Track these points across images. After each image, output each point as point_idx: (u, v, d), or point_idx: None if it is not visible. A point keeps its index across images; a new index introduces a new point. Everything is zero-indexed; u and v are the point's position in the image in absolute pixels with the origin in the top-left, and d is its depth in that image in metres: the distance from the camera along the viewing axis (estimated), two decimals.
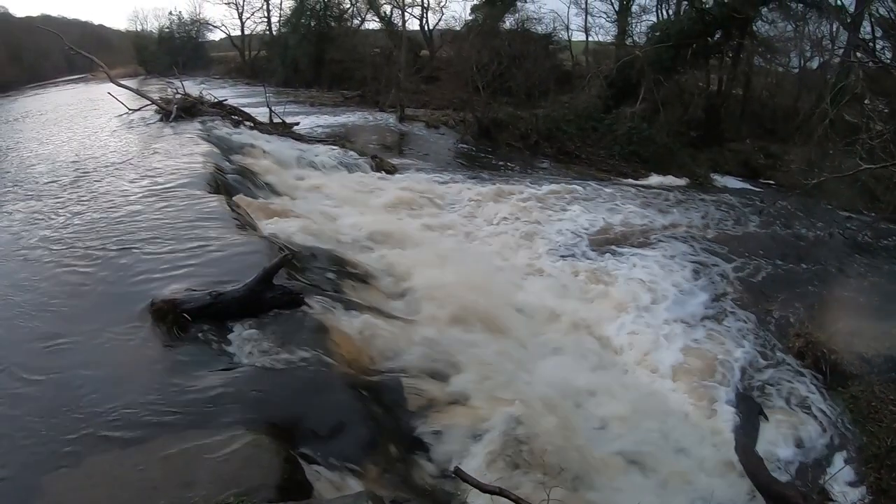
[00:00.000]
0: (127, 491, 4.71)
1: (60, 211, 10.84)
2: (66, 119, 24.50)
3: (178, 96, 21.83)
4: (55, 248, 9.11)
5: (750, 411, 8.56)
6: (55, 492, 4.75)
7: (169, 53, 48.25)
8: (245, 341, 6.62)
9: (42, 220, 10.44)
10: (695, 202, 18.93)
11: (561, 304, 10.90)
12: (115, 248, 8.95)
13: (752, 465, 7.35)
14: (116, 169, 13.71)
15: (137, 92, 24.12)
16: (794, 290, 12.50)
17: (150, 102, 22.07)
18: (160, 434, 5.27)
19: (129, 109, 21.93)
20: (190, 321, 6.84)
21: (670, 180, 22.80)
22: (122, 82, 25.67)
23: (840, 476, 7.46)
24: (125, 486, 4.75)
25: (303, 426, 5.65)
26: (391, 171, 18.59)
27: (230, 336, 6.73)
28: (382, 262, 10.54)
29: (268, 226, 10.61)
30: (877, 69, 16.63)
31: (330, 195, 14.53)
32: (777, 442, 8.12)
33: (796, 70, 28.84)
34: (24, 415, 5.50)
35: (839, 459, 7.85)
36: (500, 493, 4.65)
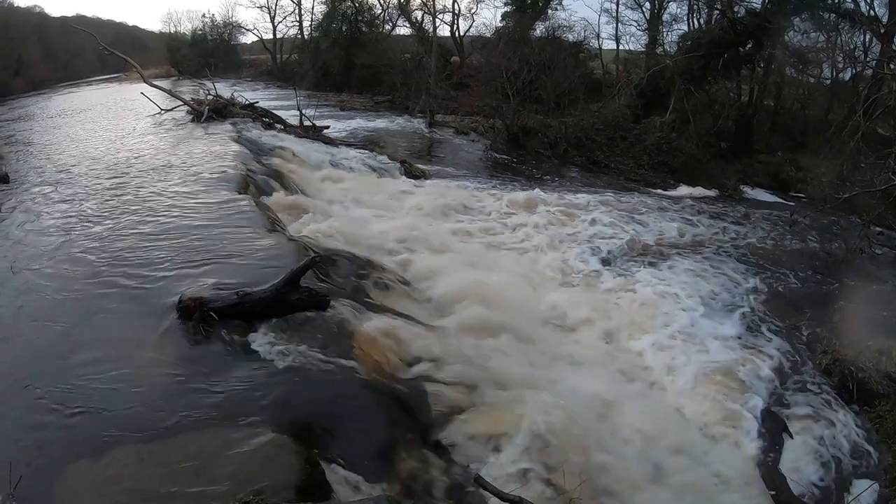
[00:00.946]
0: (147, 485, 4.79)
1: (94, 209, 11.03)
2: (99, 118, 24.89)
3: (210, 97, 22.15)
4: (87, 245, 9.26)
5: (775, 428, 8.43)
6: (76, 484, 4.84)
7: (201, 55, 48.77)
8: (270, 342, 6.69)
9: (76, 219, 10.61)
10: (724, 214, 18.75)
11: (588, 313, 10.81)
12: (144, 246, 9.11)
13: (775, 482, 7.27)
14: (148, 169, 13.92)
15: (170, 92, 24.52)
16: (823, 305, 12.30)
17: (182, 103, 22.39)
18: (182, 430, 5.35)
19: (162, 109, 22.28)
20: (216, 320, 6.93)
21: (699, 191, 22.58)
22: (155, 83, 26.04)
23: (864, 497, 7.28)
24: (145, 481, 4.83)
25: (325, 428, 5.70)
26: (420, 176, 18.62)
27: (255, 336, 6.80)
28: (410, 267, 10.63)
29: (296, 228, 10.72)
30: None
31: (359, 199, 14.63)
32: (801, 460, 7.95)
33: (828, 81, 28.24)
34: (48, 408, 5.61)
35: (864, 480, 7.67)
36: (521, 502, 4.64)
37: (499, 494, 4.80)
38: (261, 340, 6.73)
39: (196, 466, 4.95)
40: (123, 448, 5.13)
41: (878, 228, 16.71)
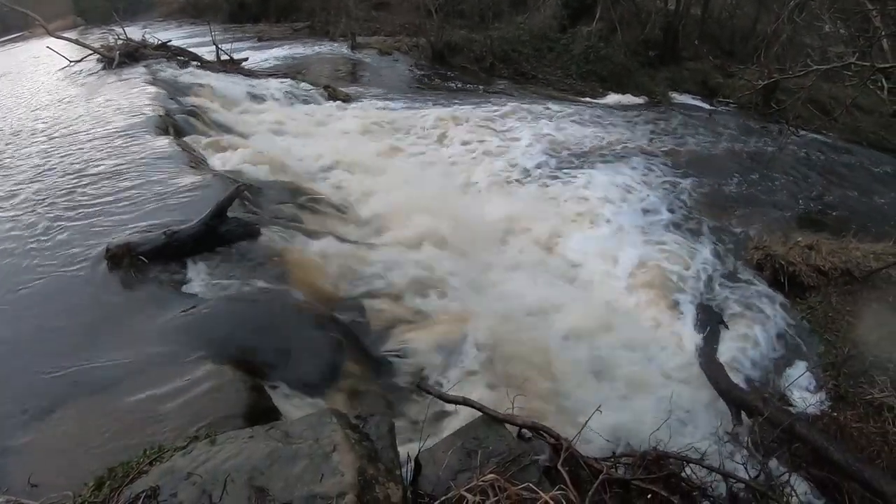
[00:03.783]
0: (99, 436, 4.68)
1: (9, 168, 10.54)
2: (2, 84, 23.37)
3: (120, 42, 21.04)
4: (9, 211, 8.80)
5: (710, 320, 8.73)
6: (27, 448, 4.70)
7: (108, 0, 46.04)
8: (203, 277, 6.57)
9: None
10: (654, 119, 18.99)
11: (522, 221, 10.92)
12: (66, 198, 8.76)
13: (714, 371, 7.51)
14: (62, 124, 13.13)
15: (77, 42, 23.08)
16: (753, 204, 12.70)
17: (91, 52, 21.19)
18: (126, 378, 5.23)
19: (70, 61, 21.06)
20: (146, 263, 6.73)
21: (629, 99, 22.80)
22: (62, 34, 24.60)
23: (799, 382, 7.69)
24: (97, 433, 4.72)
25: (267, 355, 5.66)
26: (345, 99, 18.26)
27: (188, 274, 6.65)
28: (341, 190, 10.54)
29: (220, 162, 10.43)
30: None
31: (284, 128, 14.26)
32: (737, 350, 8.31)
33: None
34: None
35: (798, 367, 8.08)
36: (465, 402, 4.70)
37: (441, 396, 4.87)
38: (194, 277, 6.59)
39: (144, 410, 4.86)
40: (72, 405, 5.01)
41: (805, 132, 17.25)
